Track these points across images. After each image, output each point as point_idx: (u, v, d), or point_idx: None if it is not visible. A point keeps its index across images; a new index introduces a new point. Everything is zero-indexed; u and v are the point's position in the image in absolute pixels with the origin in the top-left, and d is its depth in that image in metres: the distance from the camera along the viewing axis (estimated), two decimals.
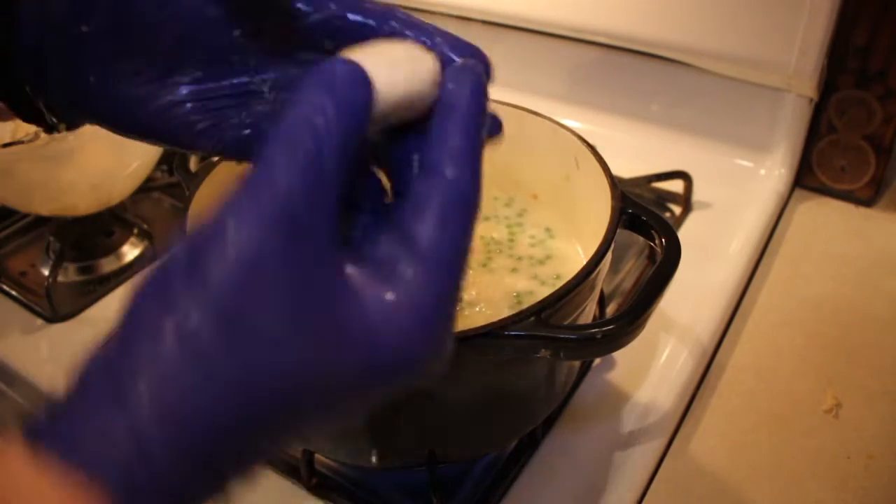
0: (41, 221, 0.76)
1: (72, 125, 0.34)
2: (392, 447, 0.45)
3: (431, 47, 0.27)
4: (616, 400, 0.53)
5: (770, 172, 0.73)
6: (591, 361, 0.55)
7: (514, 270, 0.50)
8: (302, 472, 0.49)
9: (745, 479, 0.48)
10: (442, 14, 0.87)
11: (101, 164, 0.65)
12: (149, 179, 0.73)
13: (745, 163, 0.74)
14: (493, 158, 0.57)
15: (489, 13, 0.83)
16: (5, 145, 0.61)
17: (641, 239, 0.44)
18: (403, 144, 0.27)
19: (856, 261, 0.65)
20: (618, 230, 0.42)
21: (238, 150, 0.31)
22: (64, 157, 0.62)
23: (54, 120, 0.33)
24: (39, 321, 0.64)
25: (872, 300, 0.61)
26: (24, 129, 0.69)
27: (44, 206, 0.67)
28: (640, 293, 0.38)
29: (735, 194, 0.71)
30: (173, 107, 0.30)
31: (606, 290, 0.61)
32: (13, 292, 0.67)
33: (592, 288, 0.41)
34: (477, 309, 0.47)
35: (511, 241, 0.53)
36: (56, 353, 0.61)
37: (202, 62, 0.30)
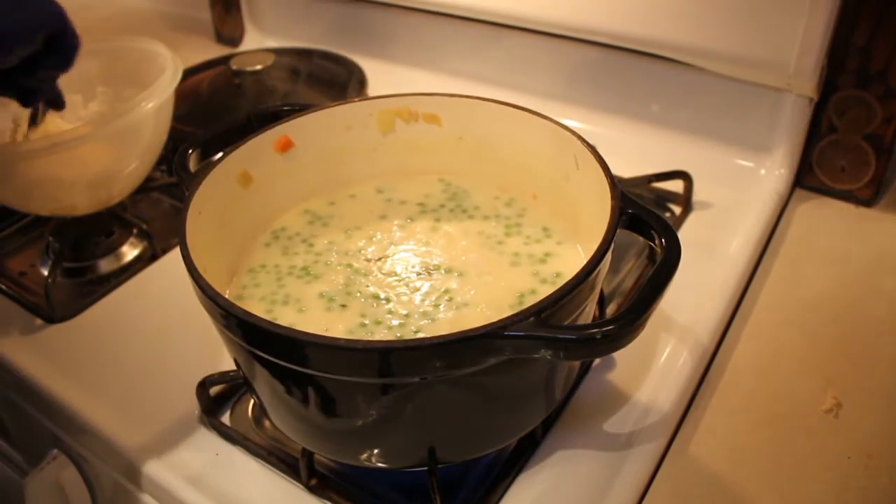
0: (40, 221, 0.76)
1: None
2: (392, 447, 0.45)
3: None
4: (616, 400, 0.53)
5: (770, 172, 0.73)
6: (591, 361, 0.55)
7: (514, 270, 0.50)
8: (301, 472, 0.49)
9: (745, 480, 0.48)
10: (443, 14, 0.87)
11: (100, 163, 0.65)
12: (148, 179, 0.73)
13: (745, 163, 0.74)
14: (494, 158, 0.58)
15: (489, 13, 0.83)
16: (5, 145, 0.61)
17: (641, 239, 0.44)
18: None
19: (856, 261, 0.65)
20: (618, 230, 0.42)
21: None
22: (63, 156, 0.62)
23: None
24: (39, 321, 0.64)
25: (872, 300, 0.61)
26: (24, 129, 0.69)
27: (43, 207, 0.67)
28: (640, 293, 0.38)
29: (735, 194, 0.71)
30: None
31: (606, 290, 0.61)
32: (13, 292, 0.67)
33: (592, 288, 0.41)
34: (477, 309, 0.47)
35: (511, 240, 0.53)
36: (56, 353, 0.61)
37: None
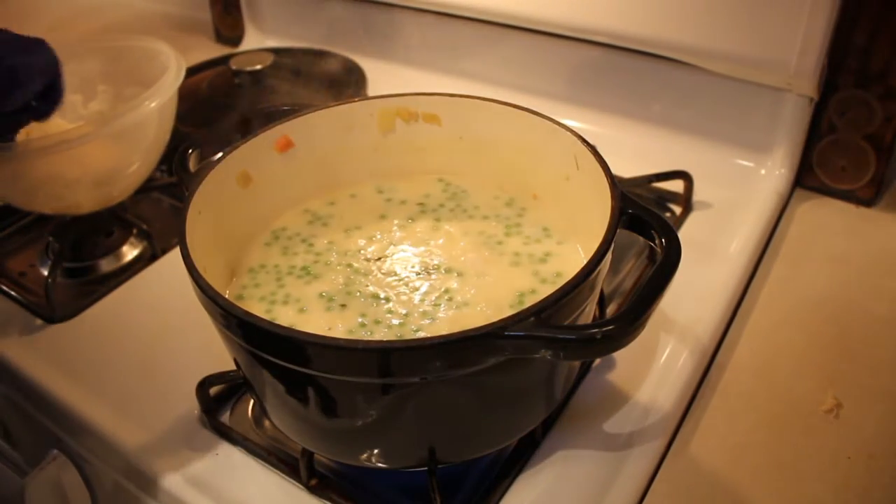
0: (41, 221, 0.76)
1: None
2: (392, 447, 0.45)
3: None
4: (616, 400, 0.53)
5: (770, 172, 0.73)
6: (591, 362, 0.55)
7: (514, 270, 0.50)
8: (301, 472, 0.49)
9: (745, 479, 0.48)
10: (442, 14, 0.87)
11: (105, 162, 0.65)
12: (148, 179, 0.73)
13: (745, 163, 0.74)
14: (494, 158, 0.58)
15: (489, 13, 0.83)
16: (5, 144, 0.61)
17: (641, 239, 0.44)
18: None
19: (856, 261, 0.65)
20: (618, 230, 0.42)
21: None
22: (68, 155, 0.62)
23: None
24: (39, 321, 0.64)
25: (872, 300, 0.61)
26: (26, 128, 0.69)
27: (47, 205, 0.67)
28: (640, 293, 0.38)
29: (735, 194, 0.71)
30: None
31: (606, 290, 0.61)
32: (13, 292, 0.67)
33: (592, 288, 0.41)
34: (477, 309, 0.47)
35: (511, 240, 0.53)
36: (56, 353, 0.61)
37: None
